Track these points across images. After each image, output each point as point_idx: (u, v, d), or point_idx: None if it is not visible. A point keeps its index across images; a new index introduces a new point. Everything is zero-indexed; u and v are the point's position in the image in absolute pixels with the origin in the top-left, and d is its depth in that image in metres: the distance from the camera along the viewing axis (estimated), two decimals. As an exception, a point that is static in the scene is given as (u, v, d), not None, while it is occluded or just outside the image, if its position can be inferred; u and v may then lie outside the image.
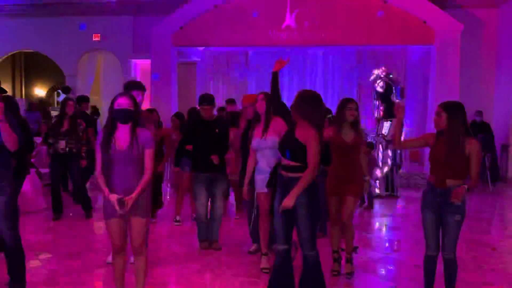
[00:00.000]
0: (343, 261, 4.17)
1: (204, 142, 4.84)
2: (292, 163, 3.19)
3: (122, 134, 3.07)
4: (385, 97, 9.75)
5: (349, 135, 3.96)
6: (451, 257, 3.31)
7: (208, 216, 4.94)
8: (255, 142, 4.08)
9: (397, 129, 3.44)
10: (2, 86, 4.39)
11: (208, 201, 4.93)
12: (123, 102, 3.03)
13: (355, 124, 3.98)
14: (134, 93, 3.71)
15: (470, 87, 10.34)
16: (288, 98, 11.51)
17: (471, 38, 10.33)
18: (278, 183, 3.31)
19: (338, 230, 4.10)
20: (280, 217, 3.25)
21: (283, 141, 3.31)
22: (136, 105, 3.11)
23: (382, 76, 9.86)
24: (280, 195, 3.25)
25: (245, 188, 4.21)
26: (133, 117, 3.07)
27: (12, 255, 3.42)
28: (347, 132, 3.97)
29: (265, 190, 3.94)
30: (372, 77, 10.47)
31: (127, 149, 3.03)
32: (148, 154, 3.08)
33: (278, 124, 4.00)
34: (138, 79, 12.14)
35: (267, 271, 4.12)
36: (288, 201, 3.11)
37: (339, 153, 4.01)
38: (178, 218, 6.03)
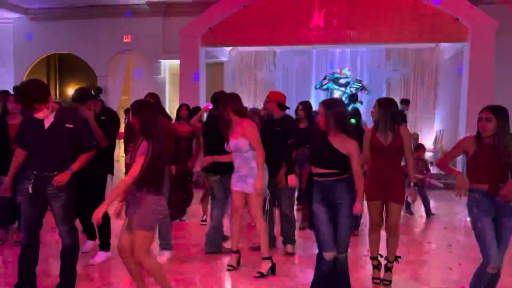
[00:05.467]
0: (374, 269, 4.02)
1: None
2: (331, 171, 3.22)
3: None
4: (353, 98, 9.78)
5: (387, 137, 3.69)
6: (501, 266, 3.13)
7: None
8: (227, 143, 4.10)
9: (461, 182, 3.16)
10: None
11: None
12: None
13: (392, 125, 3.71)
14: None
15: (504, 85, 10.01)
16: (316, 98, 11.50)
17: (506, 35, 10.00)
18: (316, 190, 3.27)
19: (378, 236, 3.93)
20: (328, 223, 3.21)
21: (319, 152, 3.24)
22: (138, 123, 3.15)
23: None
24: (323, 201, 3.24)
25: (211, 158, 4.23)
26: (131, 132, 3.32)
27: (66, 256, 3.45)
28: (384, 133, 3.69)
29: (238, 188, 4.02)
30: (342, 77, 10.44)
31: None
32: (137, 160, 3.09)
33: (242, 128, 3.92)
34: (167, 79, 12.40)
35: (231, 268, 4.18)
36: (360, 206, 3.20)
37: (377, 157, 3.75)
38: (204, 217, 6.00)
